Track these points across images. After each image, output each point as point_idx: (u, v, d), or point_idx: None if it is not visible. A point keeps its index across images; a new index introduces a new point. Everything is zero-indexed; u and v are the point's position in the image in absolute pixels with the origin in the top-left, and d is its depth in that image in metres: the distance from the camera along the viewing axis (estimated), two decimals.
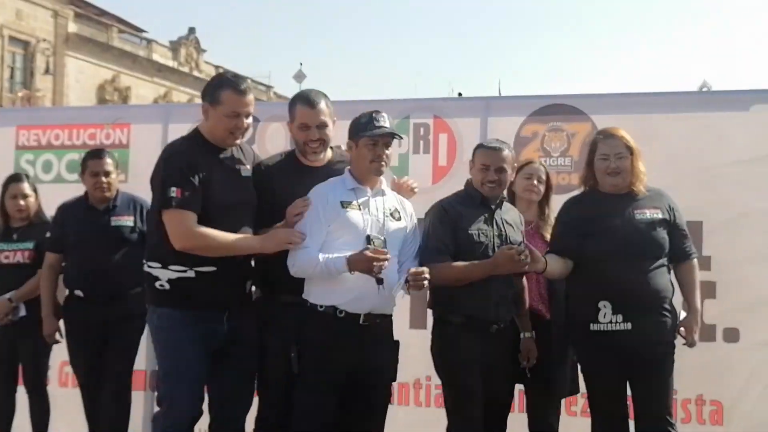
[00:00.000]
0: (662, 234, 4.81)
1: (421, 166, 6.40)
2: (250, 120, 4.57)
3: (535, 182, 5.38)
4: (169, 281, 4.42)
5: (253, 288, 4.82)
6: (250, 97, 4.56)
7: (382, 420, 4.63)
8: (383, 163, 4.53)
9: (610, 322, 4.72)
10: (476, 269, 4.71)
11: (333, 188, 4.52)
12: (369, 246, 4.34)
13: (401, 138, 4.72)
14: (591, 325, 4.76)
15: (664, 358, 4.77)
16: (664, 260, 4.82)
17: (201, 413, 4.57)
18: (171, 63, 48.77)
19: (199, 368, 4.44)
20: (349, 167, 4.63)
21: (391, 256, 4.42)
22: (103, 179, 5.94)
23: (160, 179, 4.39)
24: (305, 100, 4.70)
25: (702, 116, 6.06)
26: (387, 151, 4.53)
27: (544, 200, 5.45)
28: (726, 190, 5.88)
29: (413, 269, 4.38)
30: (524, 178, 5.40)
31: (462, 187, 5.03)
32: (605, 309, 4.73)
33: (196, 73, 49.18)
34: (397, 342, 4.66)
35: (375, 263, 4.24)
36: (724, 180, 5.88)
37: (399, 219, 4.63)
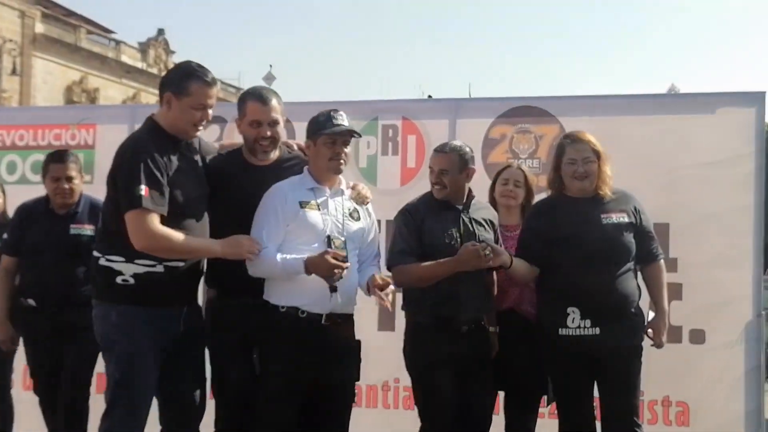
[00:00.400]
0: (629, 238, 4.82)
1: (389, 168, 6.40)
2: (211, 112, 4.43)
3: (512, 187, 5.35)
4: (135, 276, 4.24)
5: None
6: (216, 88, 4.46)
7: (346, 420, 4.59)
8: (342, 161, 4.49)
9: (579, 327, 4.74)
10: (441, 267, 4.70)
11: (292, 187, 4.47)
12: (329, 249, 4.29)
13: (359, 136, 4.67)
14: (559, 329, 4.78)
15: (630, 360, 4.79)
16: (630, 264, 4.84)
17: None
18: (140, 64, 48.52)
19: (157, 373, 4.31)
20: (307, 166, 4.58)
21: (350, 261, 4.40)
22: (65, 185, 5.71)
23: (126, 177, 4.19)
24: (257, 96, 4.58)
25: (669, 119, 6.12)
26: (346, 150, 4.50)
27: (527, 203, 5.40)
28: (692, 192, 5.93)
29: (379, 280, 4.39)
30: (501, 183, 5.38)
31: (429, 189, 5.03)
32: (574, 314, 4.75)
33: None
34: (359, 341, 4.62)
35: (336, 270, 4.21)
36: (690, 182, 5.94)
37: (358, 219, 4.60)
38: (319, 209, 4.44)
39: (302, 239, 4.36)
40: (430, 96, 24.60)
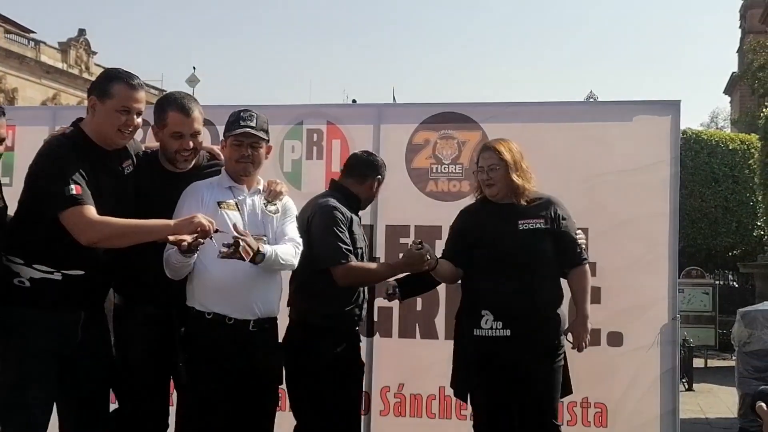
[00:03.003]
0: (545, 244, 4.89)
1: (314, 172, 6.39)
2: (140, 121, 4.29)
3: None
4: (31, 280, 4.13)
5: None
6: (143, 93, 4.28)
7: (271, 423, 4.59)
8: (249, 163, 4.46)
9: (491, 328, 4.81)
10: (386, 270, 4.92)
11: (209, 187, 4.45)
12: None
13: (265, 140, 4.56)
14: (474, 330, 4.85)
15: (545, 364, 4.85)
16: (547, 269, 4.91)
17: None
18: (60, 65, 47.74)
19: (53, 379, 4.16)
20: (224, 166, 4.57)
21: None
22: None
23: (51, 178, 4.06)
24: (179, 106, 4.44)
25: (588, 126, 6.24)
26: (255, 152, 4.47)
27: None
28: (610, 197, 6.05)
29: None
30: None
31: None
32: (487, 316, 4.83)
33: (86, 75, 48.24)
34: (281, 345, 4.62)
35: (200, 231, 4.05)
36: (608, 188, 6.06)
37: (276, 212, 4.56)
38: (237, 209, 4.43)
39: (220, 239, 4.23)
40: (354, 100, 24.69)
